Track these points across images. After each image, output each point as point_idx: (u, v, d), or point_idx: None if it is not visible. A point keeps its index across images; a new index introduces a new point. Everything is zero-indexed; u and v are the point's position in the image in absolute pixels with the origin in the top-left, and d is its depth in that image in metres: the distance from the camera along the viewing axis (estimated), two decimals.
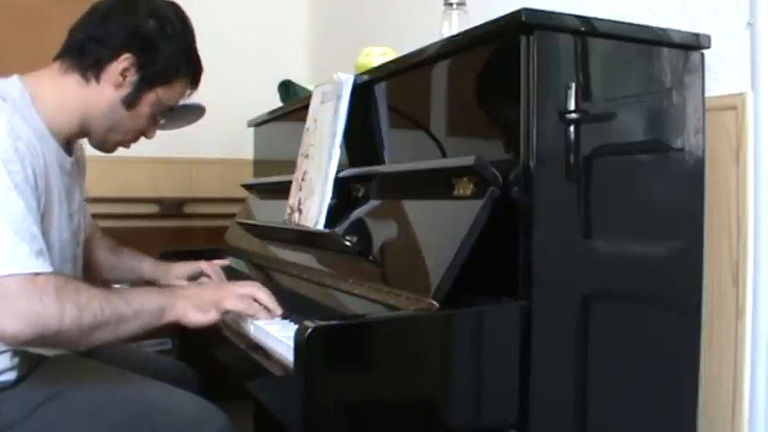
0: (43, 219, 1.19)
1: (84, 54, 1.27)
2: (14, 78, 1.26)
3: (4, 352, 1.22)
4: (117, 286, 2.58)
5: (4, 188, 1.11)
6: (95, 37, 1.27)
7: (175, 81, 1.34)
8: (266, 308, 1.26)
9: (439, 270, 1.01)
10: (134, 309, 1.17)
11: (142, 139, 2.58)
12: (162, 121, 1.41)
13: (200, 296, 1.26)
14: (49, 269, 1.12)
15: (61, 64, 1.29)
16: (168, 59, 1.31)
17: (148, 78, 1.30)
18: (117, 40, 1.27)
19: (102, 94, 1.29)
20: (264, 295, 1.28)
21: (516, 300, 1.01)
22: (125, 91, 1.30)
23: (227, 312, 1.26)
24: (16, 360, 1.23)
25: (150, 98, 1.32)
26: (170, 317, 1.21)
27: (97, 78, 1.28)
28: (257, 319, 1.24)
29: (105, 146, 1.39)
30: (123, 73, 1.28)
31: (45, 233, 1.18)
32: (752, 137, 1.17)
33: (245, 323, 1.26)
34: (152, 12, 1.30)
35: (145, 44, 1.28)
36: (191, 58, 1.38)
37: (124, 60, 1.27)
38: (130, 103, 1.31)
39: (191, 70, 1.38)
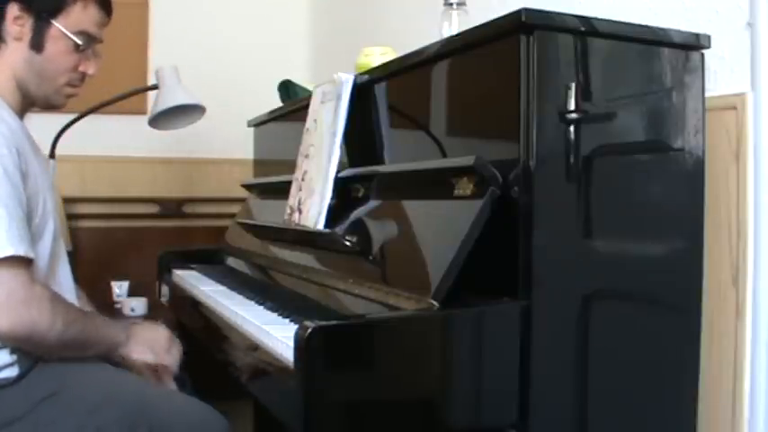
0: (32, 195, 1.27)
1: None
2: None
3: (4, 348, 1.24)
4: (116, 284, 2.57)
5: None
6: None
7: (68, 7, 1.36)
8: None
9: (439, 270, 1.01)
10: (101, 335, 1.33)
11: (143, 140, 2.59)
12: (82, 47, 1.39)
13: (147, 340, 1.40)
14: (32, 255, 1.22)
15: None
16: None
17: (41, 15, 1.34)
18: None
19: (14, 51, 1.34)
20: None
21: (516, 300, 1.01)
22: (28, 37, 1.34)
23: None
24: (16, 356, 1.24)
25: (54, 33, 1.35)
26: (120, 352, 1.36)
27: (4, 41, 1.34)
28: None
29: (50, 100, 1.42)
30: (17, 22, 1.33)
31: (39, 206, 1.30)
32: (752, 137, 1.17)
33: (245, 323, 1.26)
34: None
35: None
36: None
37: (11, 10, 1.33)
38: (38, 45, 1.35)
39: None
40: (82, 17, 1.38)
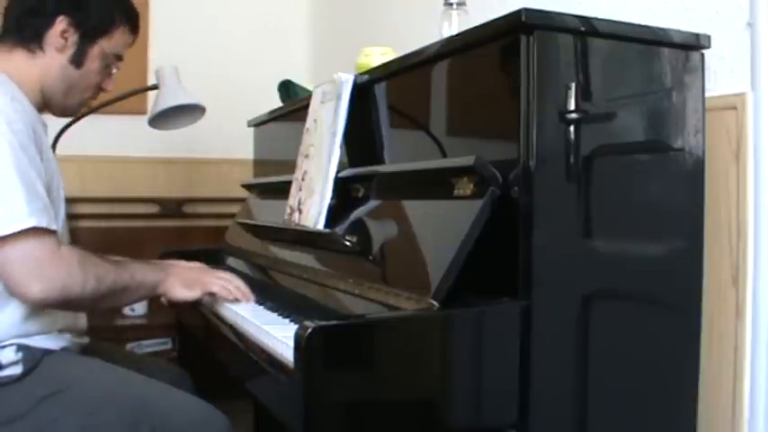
0: (48, 174, 1.29)
1: (22, 29, 1.35)
2: None
3: (10, 345, 1.24)
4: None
5: (11, 146, 1.20)
6: (28, 10, 1.35)
7: (114, 30, 1.41)
8: (242, 294, 1.43)
9: (439, 270, 1.01)
10: (137, 282, 1.35)
11: (143, 140, 2.59)
12: (115, 70, 1.47)
13: (188, 275, 1.44)
14: (54, 227, 1.23)
15: (3, 45, 1.36)
16: (101, 11, 1.39)
17: (88, 33, 1.37)
18: (48, 6, 1.34)
19: (51, 60, 1.36)
20: (241, 284, 1.45)
21: (516, 300, 1.01)
22: (70, 51, 1.37)
23: (209, 294, 1.43)
24: (21, 354, 1.25)
25: (95, 52, 1.39)
26: (161, 290, 1.40)
27: (42, 48, 1.35)
28: (233, 302, 1.42)
29: (68, 110, 1.46)
30: (63, 35, 1.35)
31: (53, 188, 1.31)
32: (752, 137, 1.17)
33: (245, 323, 1.26)
34: None
35: (74, 2, 1.36)
36: (123, 5, 1.44)
37: (60, 23, 1.34)
38: (78, 61, 1.38)
39: (127, 16, 1.44)
40: (119, 41, 1.43)
